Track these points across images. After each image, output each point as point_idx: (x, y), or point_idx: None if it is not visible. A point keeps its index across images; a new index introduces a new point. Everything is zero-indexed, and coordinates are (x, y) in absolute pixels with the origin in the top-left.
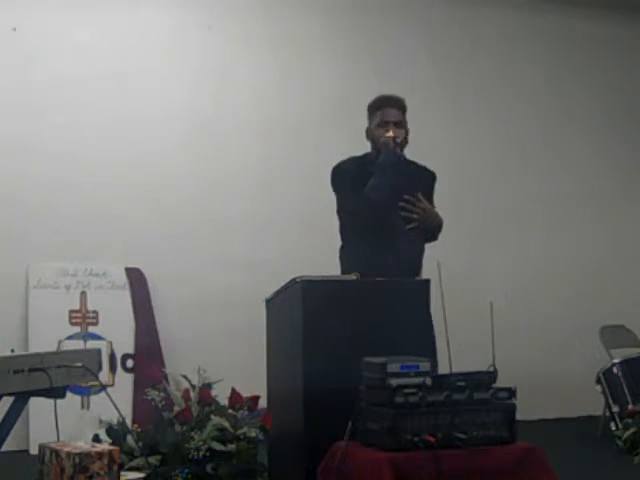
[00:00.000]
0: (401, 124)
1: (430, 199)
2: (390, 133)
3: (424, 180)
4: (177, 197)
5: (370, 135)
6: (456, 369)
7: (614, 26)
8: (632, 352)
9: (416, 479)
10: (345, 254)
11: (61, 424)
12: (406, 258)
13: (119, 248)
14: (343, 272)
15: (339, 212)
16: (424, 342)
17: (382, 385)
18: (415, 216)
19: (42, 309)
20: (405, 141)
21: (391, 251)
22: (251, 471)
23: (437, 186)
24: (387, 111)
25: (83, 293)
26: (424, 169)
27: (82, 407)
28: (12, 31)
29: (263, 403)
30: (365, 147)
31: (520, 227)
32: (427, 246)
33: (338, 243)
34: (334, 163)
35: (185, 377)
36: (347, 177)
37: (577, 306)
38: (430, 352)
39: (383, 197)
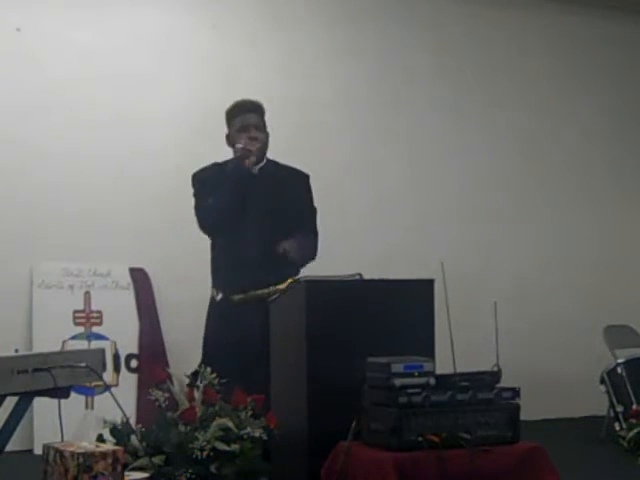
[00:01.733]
0: (261, 128)
1: (305, 201)
2: (246, 141)
3: (296, 184)
4: (180, 197)
5: (231, 142)
6: (460, 369)
7: (615, 25)
8: (636, 352)
9: (420, 479)
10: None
11: (65, 424)
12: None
13: (123, 248)
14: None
15: None
16: (427, 342)
17: (386, 385)
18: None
19: (46, 309)
20: (265, 146)
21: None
22: (255, 471)
23: (440, 187)
24: (247, 116)
25: (87, 293)
26: (296, 172)
27: (86, 407)
28: (16, 32)
29: None
30: (368, 146)
31: (524, 227)
32: (431, 246)
33: (339, 243)
34: (336, 163)
35: (189, 377)
36: (200, 187)
37: (581, 306)
38: (430, 352)
39: (210, 221)
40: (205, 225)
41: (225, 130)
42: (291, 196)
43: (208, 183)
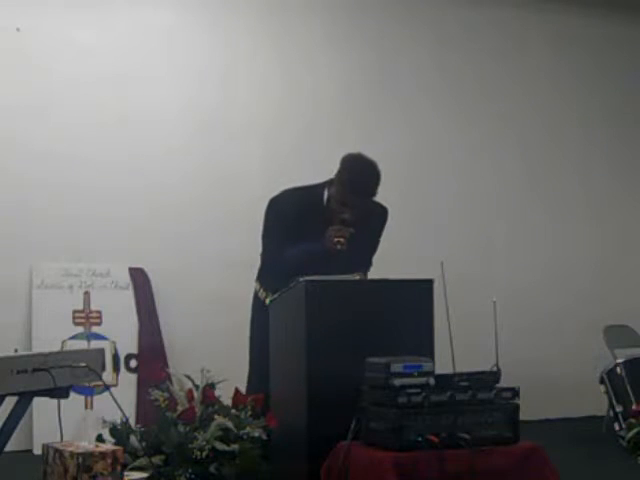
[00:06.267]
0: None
1: (378, 236)
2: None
3: (377, 219)
4: (180, 197)
5: (335, 188)
6: (460, 369)
7: (616, 25)
8: (636, 352)
9: (419, 479)
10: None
11: (64, 424)
12: None
13: (122, 248)
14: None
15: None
16: (426, 342)
17: (385, 385)
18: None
19: (45, 309)
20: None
21: None
22: (254, 471)
23: (443, 187)
24: (353, 197)
25: (86, 293)
26: (380, 207)
27: (85, 407)
28: (16, 31)
29: None
30: (371, 148)
31: (524, 227)
32: (431, 246)
33: None
34: (336, 163)
35: (188, 377)
36: (277, 219)
37: (581, 306)
38: (430, 352)
39: (285, 274)
40: (278, 274)
41: (225, 129)
42: (370, 232)
43: (289, 217)
